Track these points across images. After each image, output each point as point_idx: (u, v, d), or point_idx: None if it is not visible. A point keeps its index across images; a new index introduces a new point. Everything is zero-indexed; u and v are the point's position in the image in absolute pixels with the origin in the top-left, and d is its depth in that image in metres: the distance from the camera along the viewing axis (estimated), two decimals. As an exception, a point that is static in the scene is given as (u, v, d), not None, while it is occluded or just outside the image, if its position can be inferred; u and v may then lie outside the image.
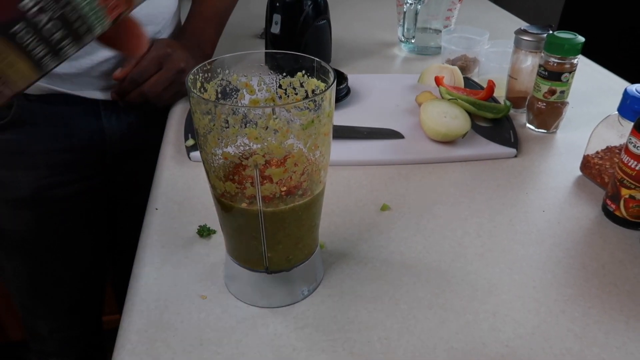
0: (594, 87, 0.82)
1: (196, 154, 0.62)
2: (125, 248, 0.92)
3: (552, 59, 0.64)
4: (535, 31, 0.70)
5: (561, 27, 1.48)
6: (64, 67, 0.67)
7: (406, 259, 0.48)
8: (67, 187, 0.75)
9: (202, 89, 0.38)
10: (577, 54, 0.64)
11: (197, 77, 0.38)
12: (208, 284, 0.45)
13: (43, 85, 0.67)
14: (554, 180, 0.60)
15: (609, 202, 0.54)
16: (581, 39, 0.63)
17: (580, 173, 0.61)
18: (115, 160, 0.79)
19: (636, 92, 0.53)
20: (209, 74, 0.39)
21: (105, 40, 0.26)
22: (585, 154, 0.60)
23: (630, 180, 0.51)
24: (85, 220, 0.81)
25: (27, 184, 0.72)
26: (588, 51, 0.90)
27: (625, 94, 0.54)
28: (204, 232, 0.51)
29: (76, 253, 0.82)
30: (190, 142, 0.64)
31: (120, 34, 0.26)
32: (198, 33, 0.78)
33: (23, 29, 0.21)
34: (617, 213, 0.53)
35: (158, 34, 0.75)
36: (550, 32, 0.66)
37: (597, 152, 0.59)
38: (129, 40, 0.27)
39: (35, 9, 0.21)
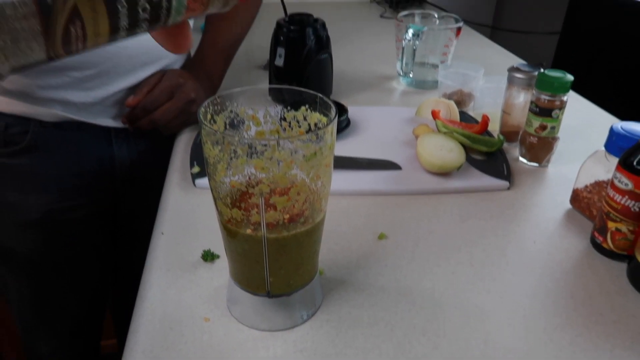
0: (585, 123, 0.86)
1: (201, 181, 0.64)
2: (126, 271, 0.93)
3: (543, 96, 0.67)
4: (527, 69, 0.73)
5: (555, 63, 1.53)
6: (80, 97, 0.70)
7: (402, 287, 0.50)
8: (76, 210, 0.77)
9: (212, 121, 0.41)
10: (567, 92, 0.67)
11: (208, 109, 0.40)
12: (211, 307, 0.47)
13: (59, 113, 0.70)
14: (544, 213, 0.63)
15: (596, 234, 0.56)
16: (570, 77, 0.67)
17: (570, 206, 0.64)
18: (123, 185, 0.81)
19: (621, 130, 0.56)
20: (219, 106, 0.42)
21: (157, 32, 0.29)
22: (575, 188, 0.63)
23: (616, 213, 0.53)
24: (92, 243, 0.83)
25: (37, 207, 0.74)
26: (580, 87, 0.94)
27: (611, 131, 0.57)
28: (208, 256, 0.52)
29: (82, 275, 0.84)
30: (196, 169, 0.66)
31: (172, 30, 0.29)
32: (208, 64, 0.82)
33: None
34: (604, 245, 0.55)
35: (170, 65, 0.78)
36: (541, 70, 0.70)
37: (586, 186, 0.62)
38: (178, 38, 0.30)
39: None
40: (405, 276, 0.51)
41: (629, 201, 0.52)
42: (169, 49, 0.30)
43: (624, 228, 0.53)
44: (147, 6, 0.25)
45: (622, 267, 0.54)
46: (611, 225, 0.54)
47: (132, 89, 0.74)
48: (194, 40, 0.86)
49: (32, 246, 0.77)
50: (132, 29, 0.25)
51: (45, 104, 0.69)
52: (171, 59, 0.78)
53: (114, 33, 0.25)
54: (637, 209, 0.52)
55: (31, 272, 0.79)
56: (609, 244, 0.54)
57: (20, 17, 0.21)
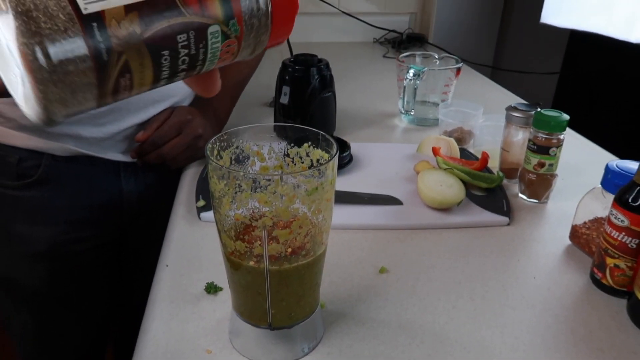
0: (583, 160, 0.87)
1: (206, 214, 0.66)
2: (129, 303, 0.93)
3: (540, 135, 0.69)
4: (524, 108, 0.75)
5: (555, 103, 1.56)
6: (92, 132, 0.73)
7: (402, 320, 0.51)
8: (83, 243, 0.78)
9: (218, 156, 0.43)
10: (563, 130, 0.69)
11: (215, 145, 0.42)
12: (214, 339, 0.47)
13: (71, 147, 0.73)
14: (544, 248, 0.63)
15: (596, 270, 0.56)
16: (566, 117, 0.68)
17: (569, 242, 0.64)
18: (130, 218, 0.83)
19: (616, 168, 0.57)
20: (225, 143, 0.43)
21: (189, 78, 0.32)
22: (574, 224, 0.64)
23: (614, 250, 0.54)
24: (98, 276, 0.84)
25: (45, 239, 0.75)
26: (578, 126, 0.96)
27: (607, 169, 0.58)
28: (211, 289, 0.53)
29: (87, 308, 0.84)
30: (201, 203, 0.68)
31: (202, 75, 0.32)
32: (215, 102, 0.84)
33: (167, 53, 0.27)
34: (604, 281, 0.55)
35: (179, 103, 0.81)
36: (538, 109, 0.72)
37: (585, 222, 0.63)
38: (207, 82, 0.33)
39: (184, 43, 0.27)
40: (406, 310, 0.52)
41: (626, 237, 0.52)
42: (199, 92, 0.34)
43: (622, 264, 0.53)
44: (187, 58, 0.28)
45: (622, 303, 0.54)
46: (610, 261, 0.54)
47: (143, 125, 0.76)
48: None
49: (38, 278, 0.78)
50: (172, 78, 0.29)
51: (58, 139, 0.72)
52: (181, 97, 0.81)
53: (156, 82, 0.28)
54: (635, 246, 0.52)
55: (36, 305, 0.80)
56: (608, 280, 0.55)
57: (80, 72, 0.24)
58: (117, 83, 0.26)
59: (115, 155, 0.77)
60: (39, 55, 0.23)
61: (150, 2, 0.26)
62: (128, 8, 0.25)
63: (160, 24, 0.26)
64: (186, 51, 0.28)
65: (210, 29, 0.28)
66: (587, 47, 1.44)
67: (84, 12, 0.24)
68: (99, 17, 0.24)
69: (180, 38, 0.27)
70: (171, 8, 0.27)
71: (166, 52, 0.27)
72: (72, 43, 0.24)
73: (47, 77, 0.24)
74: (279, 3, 0.31)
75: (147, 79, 0.27)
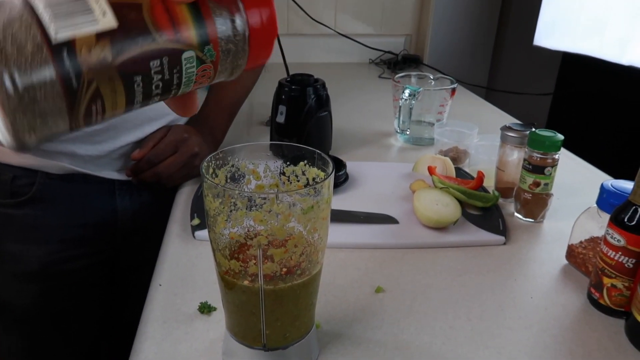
0: (578, 180, 0.87)
1: (201, 233, 0.65)
2: (121, 323, 0.92)
3: (535, 154, 0.69)
4: (519, 128, 0.76)
5: (549, 123, 1.57)
6: (88, 150, 0.72)
7: (399, 341, 0.50)
8: (76, 261, 0.78)
9: (214, 175, 0.42)
10: (558, 150, 0.69)
11: (210, 164, 0.42)
12: (206, 360, 0.46)
13: (65, 165, 0.72)
14: (541, 268, 0.63)
15: (593, 290, 0.56)
16: (560, 136, 0.69)
17: (566, 261, 0.64)
18: (124, 236, 0.82)
19: (611, 187, 0.57)
20: (221, 161, 0.43)
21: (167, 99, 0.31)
22: (570, 244, 0.64)
23: (611, 269, 0.53)
24: (90, 296, 0.83)
25: (38, 258, 0.75)
26: (573, 146, 0.96)
27: (602, 188, 0.59)
28: (205, 308, 0.53)
29: (77, 328, 0.83)
30: (196, 221, 0.67)
31: (180, 97, 0.32)
32: (212, 120, 0.85)
33: (140, 79, 0.27)
34: (601, 301, 0.55)
35: (175, 121, 0.81)
36: (533, 129, 0.72)
37: (581, 242, 0.63)
38: (186, 103, 0.33)
39: (157, 69, 0.27)
40: (402, 330, 0.51)
41: (622, 257, 0.52)
42: (177, 112, 0.33)
43: (619, 284, 0.53)
44: (160, 84, 0.28)
45: (621, 323, 0.53)
46: (607, 281, 0.54)
47: (138, 143, 0.76)
48: (200, 97, 0.90)
49: (29, 298, 0.77)
50: (146, 102, 0.28)
51: (53, 157, 0.71)
52: (177, 115, 0.81)
53: (129, 106, 0.28)
54: (632, 265, 0.52)
55: (26, 325, 0.79)
56: (606, 300, 0.55)
57: (49, 100, 0.24)
58: (89, 109, 0.26)
59: (111, 173, 0.77)
60: (7, 84, 0.23)
61: (123, 29, 0.25)
62: (100, 36, 0.25)
63: (133, 51, 0.26)
64: (160, 76, 0.27)
65: (185, 55, 0.28)
66: (579, 68, 1.46)
67: (54, 41, 0.24)
68: (69, 45, 0.24)
69: (154, 64, 0.27)
70: (144, 34, 0.26)
71: (139, 78, 0.27)
72: (41, 72, 0.24)
73: (15, 106, 0.23)
74: (257, 28, 0.30)
75: (120, 103, 0.27)
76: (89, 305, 0.84)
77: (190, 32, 0.27)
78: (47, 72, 0.24)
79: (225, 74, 0.31)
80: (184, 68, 0.28)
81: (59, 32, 0.24)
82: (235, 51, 0.30)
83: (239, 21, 0.29)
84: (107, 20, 0.25)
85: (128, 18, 0.26)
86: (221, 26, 0.29)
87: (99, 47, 0.25)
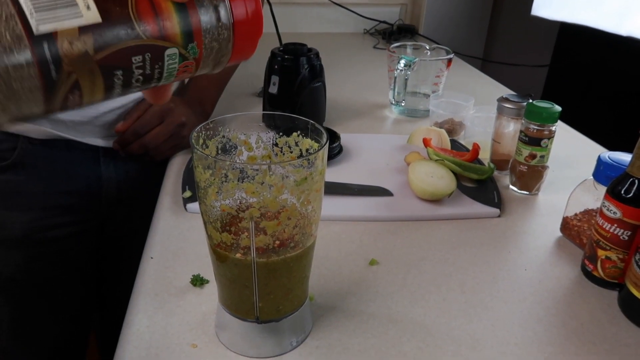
0: (574, 152, 0.87)
1: (192, 206, 0.64)
2: (113, 295, 0.92)
3: (532, 126, 0.68)
4: (516, 99, 0.74)
5: (545, 95, 1.56)
6: (70, 115, 0.70)
7: (393, 313, 0.50)
8: (59, 229, 0.76)
9: (204, 146, 0.41)
10: (555, 122, 0.68)
11: (200, 134, 0.41)
12: (199, 333, 0.46)
13: (47, 130, 0.70)
14: (535, 240, 0.63)
15: (587, 262, 0.56)
16: (558, 108, 0.68)
17: (560, 234, 0.64)
18: (109, 206, 0.81)
19: (608, 159, 0.57)
20: (211, 131, 0.42)
21: None
22: (565, 216, 0.63)
23: (605, 242, 0.53)
24: (75, 265, 0.82)
25: (20, 225, 0.73)
26: (569, 118, 0.95)
27: (599, 160, 0.58)
28: (197, 281, 0.52)
29: (63, 297, 0.82)
30: (187, 193, 0.66)
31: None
32: (200, 91, 0.83)
33: (120, 74, 0.26)
34: (595, 273, 0.55)
35: None
36: (530, 100, 0.71)
37: (576, 214, 0.62)
38: (158, 91, 0.32)
39: (139, 64, 0.26)
40: (396, 303, 0.51)
41: (618, 229, 0.52)
42: (149, 99, 0.33)
43: (613, 256, 0.53)
44: (141, 77, 0.27)
45: (614, 295, 0.54)
46: (601, 253, 0.54)
47: (123, 110, 0.74)
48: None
49: (14, 265, 0.76)
50: (124, 93, 0.28)
51: (34, 121, 0.70)
52: None
53: (107, 97, 0.27)
54: (627, 237, 0.52)
55: (11, 292, 0.78)
56: (600, 272, 0.54)
57: (26, 88, 0.24)
58: (65, 98, 0.26)
59: (95, 140, 0.75)
60: None
61: (107, 23, 0.25)
62: (82, 29, 0.24)
63: (116, 46, 0.25)
64: (141, 71, 0.27)
65: (168, 52, 0.27)
66: (577, 39, 1.44)
67: (36, 32, 0.23)
68: (50, 37, 0.24)
69: (136, 59, 0.26)
70: (128, 30, 0.25)
71: (119, 72, 0.26)
72: (19, 61, 0.23)
73: None
74: (243, 27, 0.30)
75: (98, 94, 0.27)
76: (75, 274, 0.83)
77: (174, 30, 0.27)
78: (25, 62, 0.23)
79: (207, 69, 0.31)
80: (165, 64, 0.28)
81: (40, 24, 0.23)
82: (219, 49, 0.30)
83: (224, 20, 0.29)
84: (91, 14, 0.24)
85: (113, 12, 0.25)
86: (206, 25, 0.28)
87: (81, 41, 0.24)
